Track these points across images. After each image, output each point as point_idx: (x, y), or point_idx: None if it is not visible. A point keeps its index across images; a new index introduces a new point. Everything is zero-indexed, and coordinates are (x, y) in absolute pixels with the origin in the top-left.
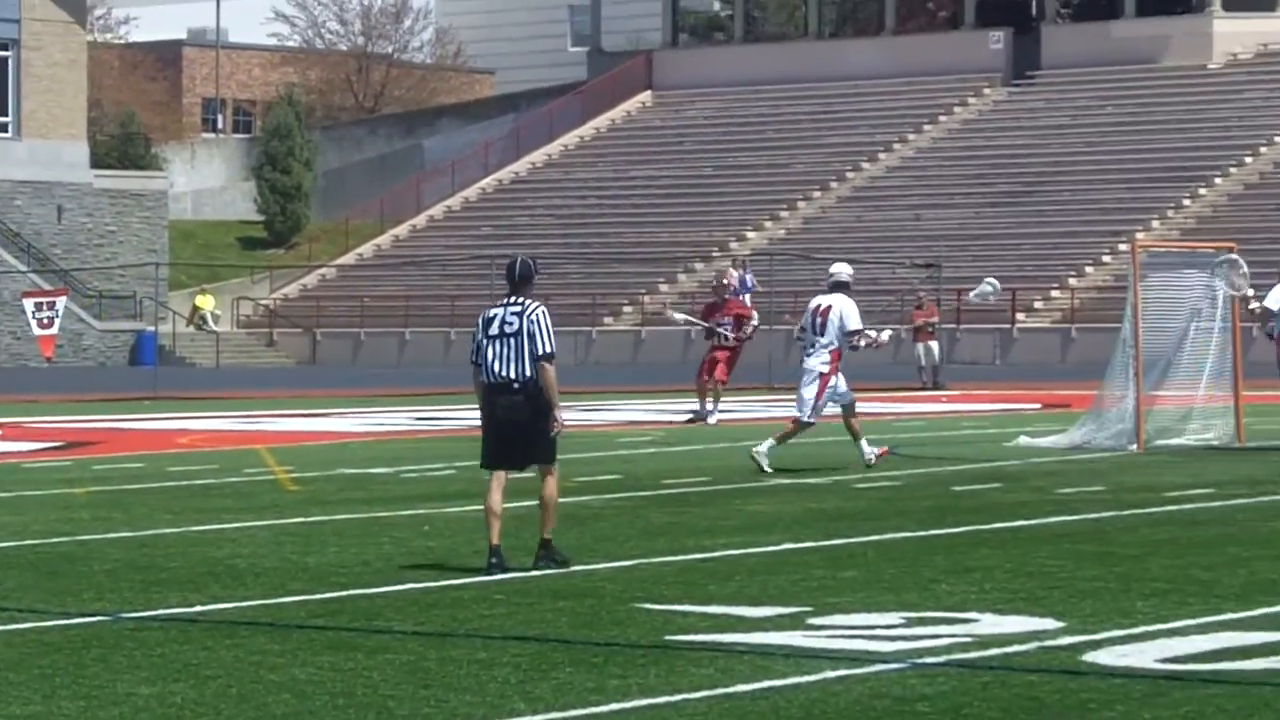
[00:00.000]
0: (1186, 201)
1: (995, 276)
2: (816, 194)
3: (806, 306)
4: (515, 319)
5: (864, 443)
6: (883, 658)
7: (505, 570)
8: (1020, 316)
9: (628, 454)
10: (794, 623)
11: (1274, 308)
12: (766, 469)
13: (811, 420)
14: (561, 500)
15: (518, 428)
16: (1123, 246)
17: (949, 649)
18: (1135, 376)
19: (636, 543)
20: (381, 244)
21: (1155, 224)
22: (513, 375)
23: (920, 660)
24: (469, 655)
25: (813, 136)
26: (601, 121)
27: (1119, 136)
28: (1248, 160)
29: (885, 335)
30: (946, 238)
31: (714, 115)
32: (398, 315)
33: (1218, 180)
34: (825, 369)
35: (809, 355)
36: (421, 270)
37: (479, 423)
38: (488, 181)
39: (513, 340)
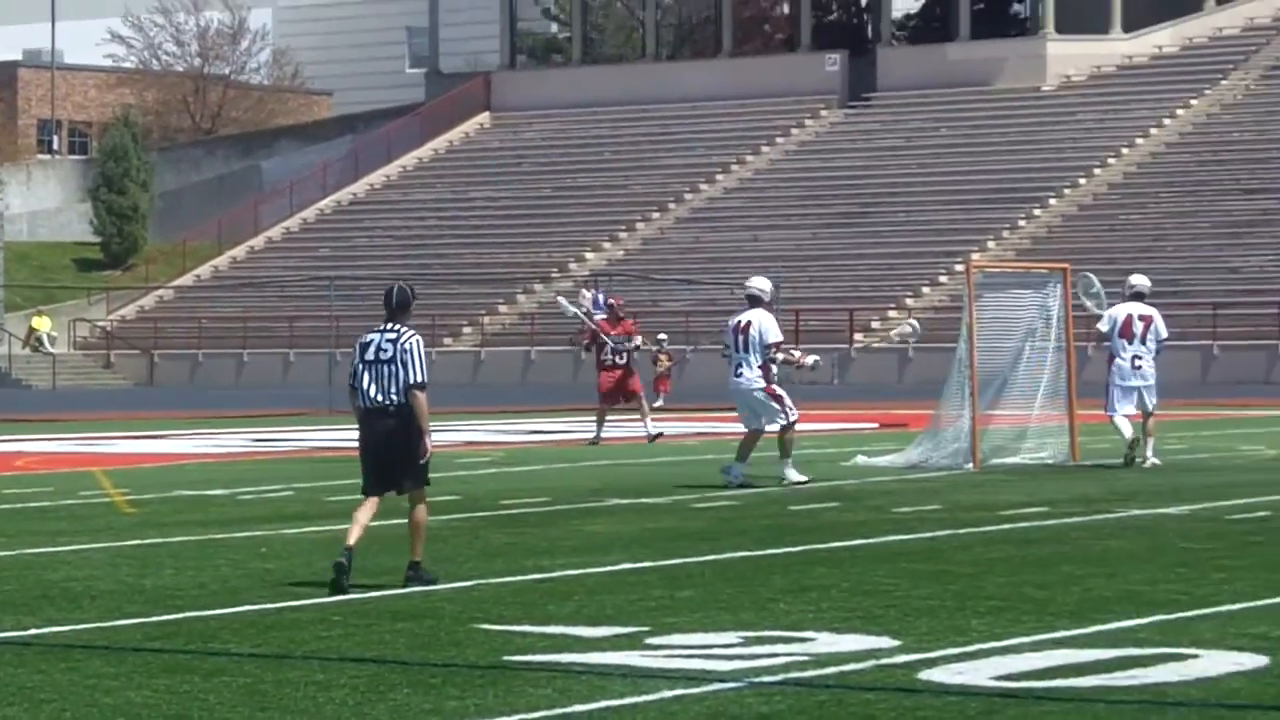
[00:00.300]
0: (1021, 222)
1: (832, 297)
2: (655, 215)
3: (726, 325)
4: (390, 346)
5: (790, 463)
6: (720, 677)
7: (345, 573)
8: (858, 336)
9: (466, 475)
10: (632, 642)
11: (1105, 329)
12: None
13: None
14: (397, 522)
15: (391, 451)
16: (958, 267)
17: (786, 668)
18: (971, 396)
19: (475, 563)
20: (219, 265)
21: (990, 245)
22: (386, 401)
23: (757, 679)
24: (306, 677)
25: (651, 158)
26: (440, 143)
27: (954, 158)
28: (1081, 181)
29: (809, 360)
30: (784, 259)
31: (552, 137)
32: (235, 337)
33: (1052, 201)
34: (763, 383)
35: (739, 374)
36: (259, 292)
37: (352, 444)
38: (326, 203)
39: (387, 367)
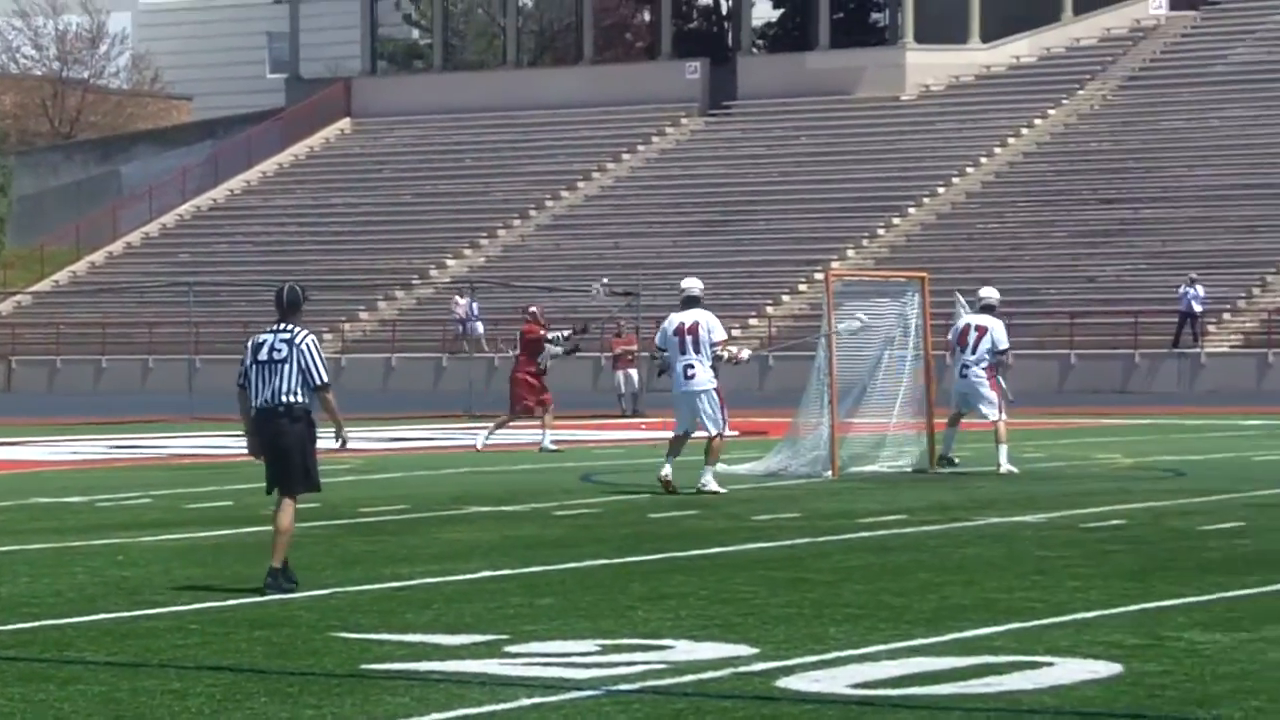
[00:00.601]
0: (880, 231)
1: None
2: (516, 222)
3: (663, 328)
4: (284, 346)
5: (712, 470)
6: (577, 685)
7: (283, 590)
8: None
9: (325, 482)
10: (490, 650)
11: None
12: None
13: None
14: (257, 530)
15: (285, 452)
16: (818, 275)
17: (644, 675)
18: (830, 404)
19: (333, 571)
20: (78, 271)
21: (850, 253)
22: (277, 402)
23: (615, 687)
24: (162, 685)
25: (512, 164)
26: (300, 148)
27: (814, 166)
28: (940, 190)
29: (745, 354)
30: (645, 266)
31: (413, 143)
32: (94, 343)
33: (911, 210)
34: (714, 383)
35: (690, 374)
36: (118, 298)
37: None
38: (186, 208)
39: (281, 367)
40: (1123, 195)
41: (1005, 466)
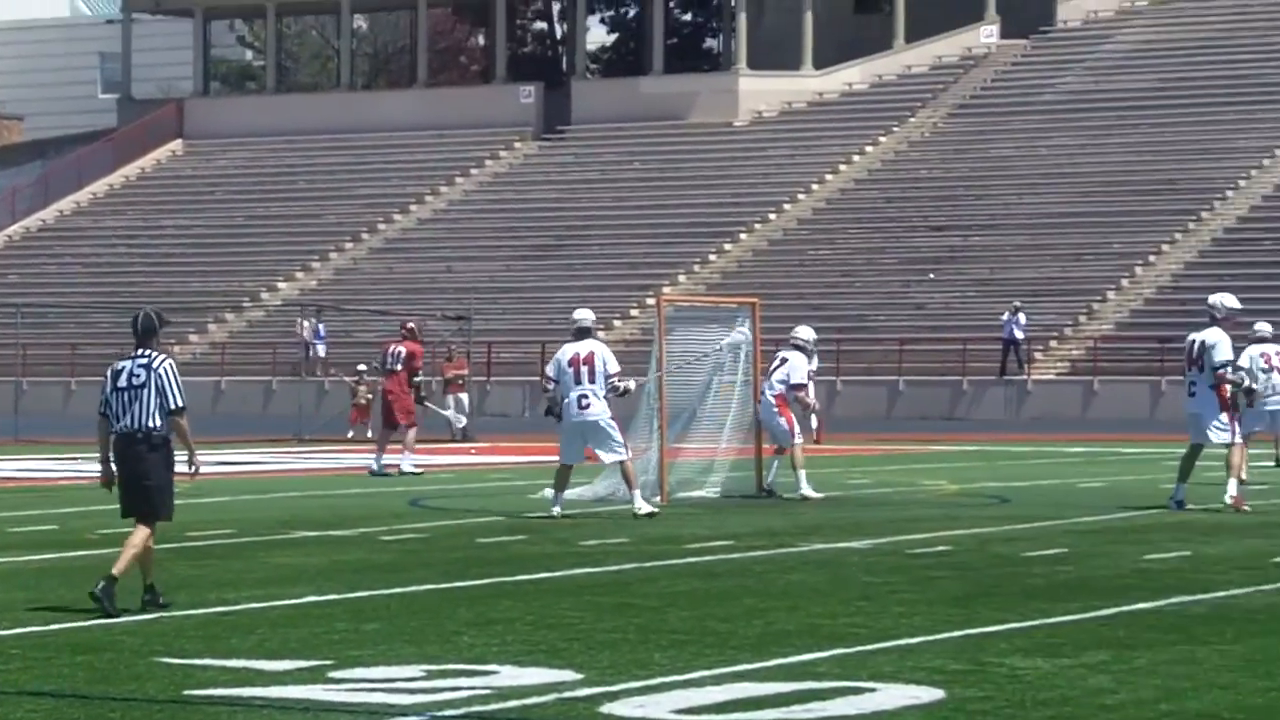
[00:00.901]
0: (712, 257)
1: (525, 329)
2: (349, 245)
3: (555, 357)
4: (142, 371)
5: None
6: (401, 710)
7: (107, 611)
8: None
9: None
10: (314, 676)
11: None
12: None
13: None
14: (81, 554)
15: (142, 477)
16: (650, 300)
17: (468, 701)
18: (659, 429)
19: None
20: None
21: (682, 278)
22: (136, 427)
23: (439, 713)
24: None
25: (345, 187)
26: (132, 169)
27: (647, 191)
28: (772, 216)
29: (632, 384)
30: (477, 290)
31: (246, 165)
32: None
33: (743, 236)
34: (609, 413)
35: (584, 404)
36: None
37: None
38: (15, 229)
39: (139, 392)
40: (952, 222)
41: (804, 490)
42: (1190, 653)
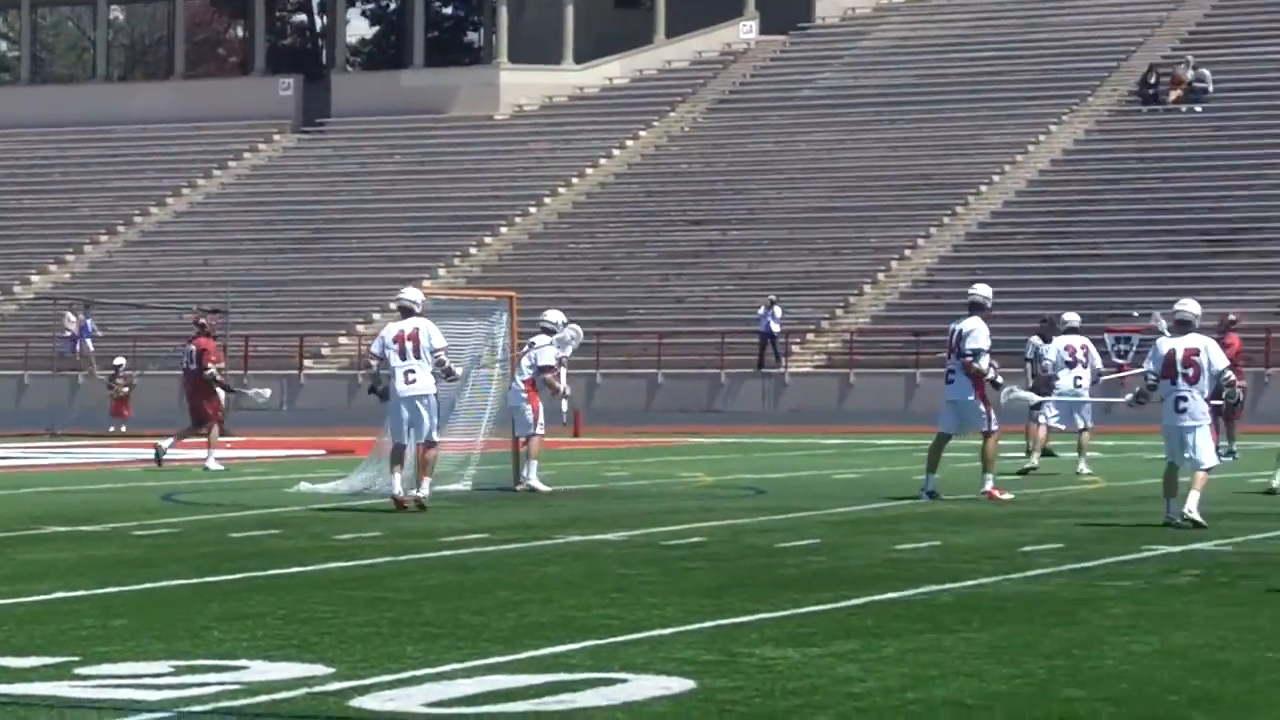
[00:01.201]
0: (473, 250)
1: (283, 322)
2: (103, 238)
3: (380, 335)
4: None
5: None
6: (149, 707)
7: None
8: (308, 363)
9: None
10: (60, 673)
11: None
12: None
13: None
14: None
15: None
16: None
17: (216, 696)
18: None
19: None
20: None
21: (442, 272)
22: None
23: (187, 709)
24: None
25: (100, 180)
26: None
27: (407, 185)
28: (532, 210)
29: (458, 370)
30: (235, 283)
31: None
32: None
33: (503, 229)
34: (434, 389)
35: (410, 379)
36: None
37: None
38: None
39: None
40: (711, 216)
41: (531, 482)
42: (937, 641)
